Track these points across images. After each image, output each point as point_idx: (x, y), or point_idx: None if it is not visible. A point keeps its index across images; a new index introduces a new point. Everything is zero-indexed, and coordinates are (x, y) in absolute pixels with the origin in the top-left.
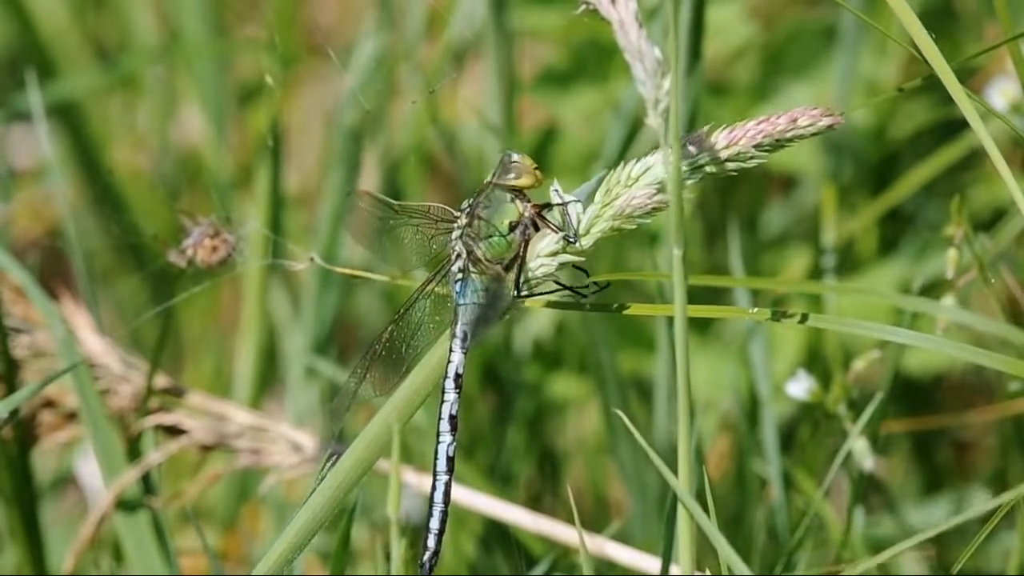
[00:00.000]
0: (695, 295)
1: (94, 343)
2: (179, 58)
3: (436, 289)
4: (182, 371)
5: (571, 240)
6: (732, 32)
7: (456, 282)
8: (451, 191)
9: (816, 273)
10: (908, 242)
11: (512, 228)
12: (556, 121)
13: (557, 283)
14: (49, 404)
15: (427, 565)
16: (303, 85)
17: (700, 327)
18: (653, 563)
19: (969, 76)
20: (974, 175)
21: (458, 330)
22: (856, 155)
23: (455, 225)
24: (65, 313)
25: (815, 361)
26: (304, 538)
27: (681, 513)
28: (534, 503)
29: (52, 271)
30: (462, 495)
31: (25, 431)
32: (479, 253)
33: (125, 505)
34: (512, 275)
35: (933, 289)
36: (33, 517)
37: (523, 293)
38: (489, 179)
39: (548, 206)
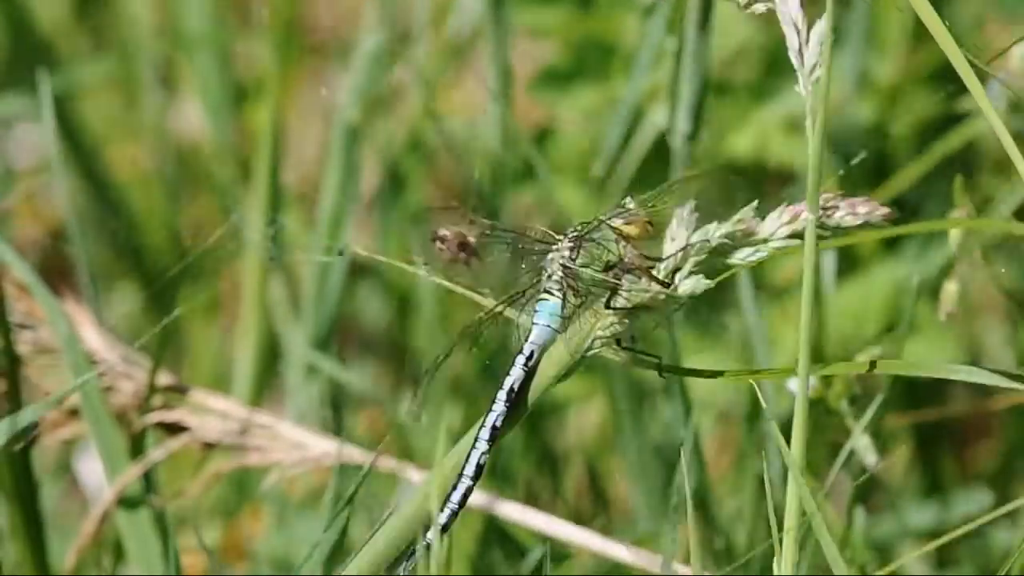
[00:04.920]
0: (695, 301)
1: (96, 340)
2: (179, 53)
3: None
4: (182, 368)
5: (667, 285)
6: (732, 31)
7: (539, 301)
8: (451, 189)
9: (817, 270)
10: (909, 237)
11: (608, 268)
12: (554, 120)
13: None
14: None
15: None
16: (303, 83)
17: (700, 329)
18: (654, 562)
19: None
20: (972, 169)
21: (525, 347)
22: (855, 150)
23: (553, 248)
24: (67, 310)
25: (816, 359)
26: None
27: (791, 496)
28: (534, 502)
29: (53, 269)
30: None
31: (26, 428)
32: (572, 279)
33: (127, 503)
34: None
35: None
36: (34, 514)
37: (612, 306)
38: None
39: (657, 260)
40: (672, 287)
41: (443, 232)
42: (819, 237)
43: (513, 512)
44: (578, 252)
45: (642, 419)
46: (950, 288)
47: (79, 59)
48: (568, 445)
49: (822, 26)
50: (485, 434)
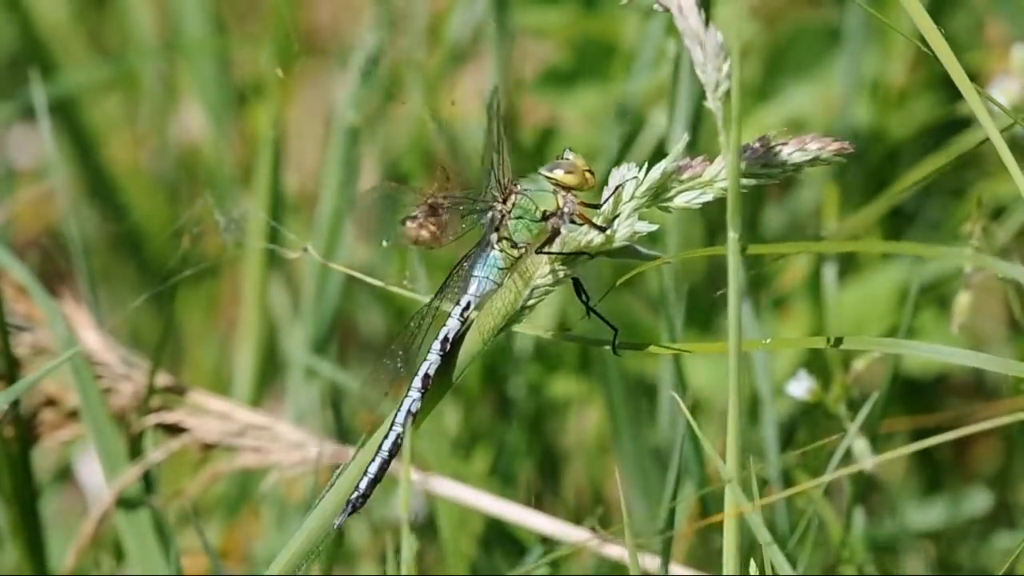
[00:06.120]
0: (696, 299)
1: (95, 341)
2: (179, 56)
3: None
4: (181, 370)
5: (604, 230)
6: (733, 32)
7: (478, 254)
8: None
9: (817, 273)
10: (909, 241)
11: (545, 217)
12: (557, 120)
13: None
14: (50, 402)
15: (352, 504)
16: (303, 85)
17: (700, 327)
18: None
19: (971, 77)
20: (974, 174)
21: (462, 299)
22: (857, 154)
23: (493, 203)
24: (66, 311)
25: (816, 361)
26: (315, 543)
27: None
28: (534, 503)
29: (52, 270)
30: (463, 494)
31: (26, 429)
32: (506, 231)
33: (126, 504)
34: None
35: (940, 286)
36: (34, 516)
37: (545, 250)
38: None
39: (596, 206)
40: (611, 231)
41: (413, 212)
42: (768, 176)
43: (513, 512)
44: (512, 204)
45: (640, 420)
46: (963, 300)
47: (80, 62)
48: (568, 445)
49: (718, 39)
50: (417, 382)
